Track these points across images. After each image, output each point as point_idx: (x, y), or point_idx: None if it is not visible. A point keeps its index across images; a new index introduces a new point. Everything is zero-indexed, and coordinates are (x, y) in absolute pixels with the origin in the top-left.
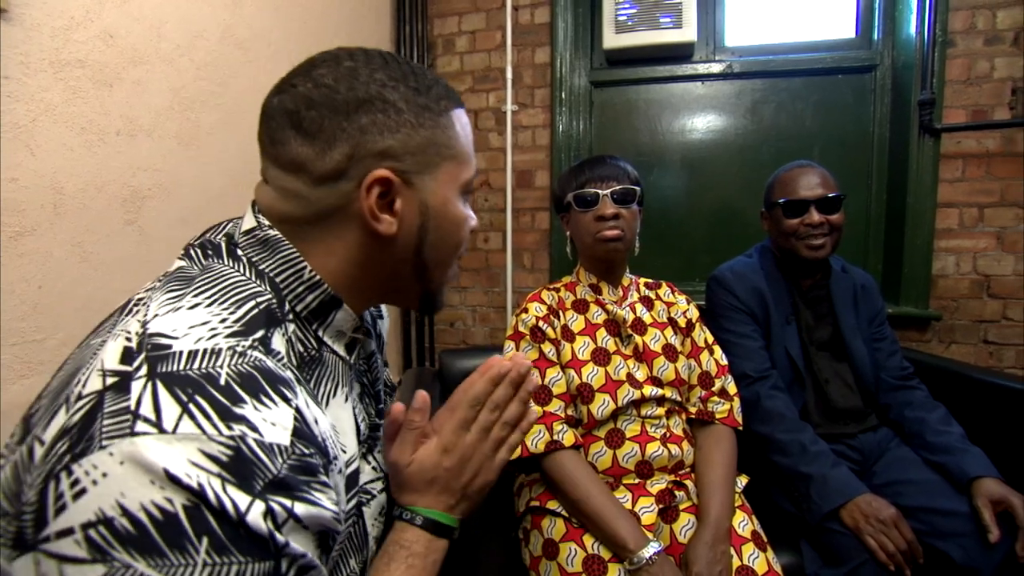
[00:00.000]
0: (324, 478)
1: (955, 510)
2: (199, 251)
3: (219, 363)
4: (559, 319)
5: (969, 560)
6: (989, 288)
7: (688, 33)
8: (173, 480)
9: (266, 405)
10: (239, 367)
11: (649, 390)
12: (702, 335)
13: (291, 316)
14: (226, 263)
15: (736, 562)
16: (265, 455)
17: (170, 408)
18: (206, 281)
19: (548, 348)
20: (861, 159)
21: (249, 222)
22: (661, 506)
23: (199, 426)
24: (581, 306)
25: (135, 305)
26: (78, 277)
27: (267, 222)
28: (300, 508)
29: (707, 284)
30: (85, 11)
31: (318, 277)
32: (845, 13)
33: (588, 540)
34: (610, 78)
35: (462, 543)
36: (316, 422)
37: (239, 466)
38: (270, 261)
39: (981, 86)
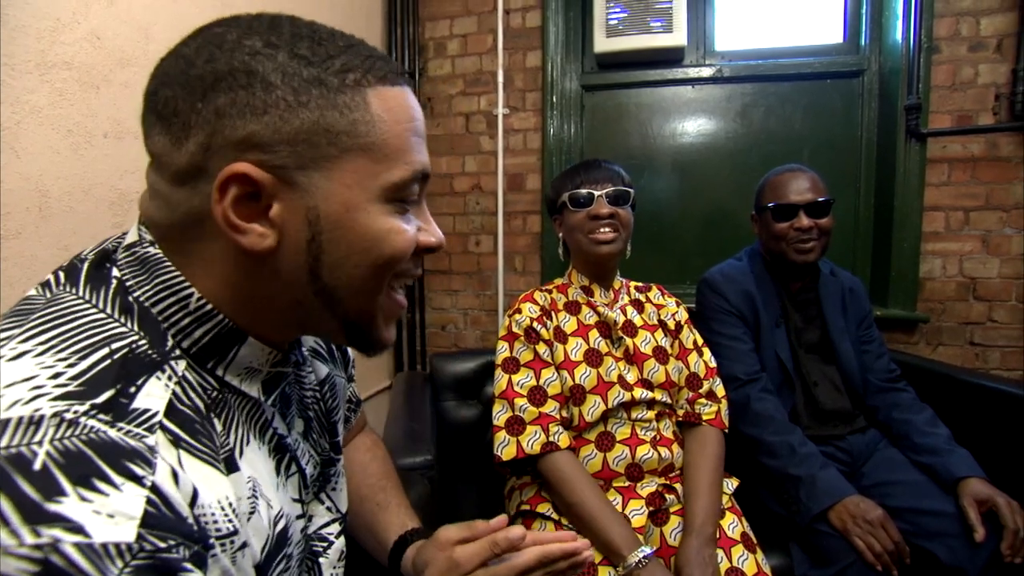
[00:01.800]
0: (195, 574)
1: (942, 510)
2: (64, 274)
3: (37, 438)
4: (552, 320)
5: (955, 560)
6: (975, 290)
7: (678, 37)
8: None
9: (100, 491)
10: (65, 443)
11: (639, 393)
12: (691, 337)
13: (177, 353)
14: (81, 292)
15: (725, 564)
16: (91, 563)
17: None
18: (45, 319)
19: (543, 349)
20: (849, 163)
21: (132, 234)
22: (651, 509)
23: None
24: (573, 307)
25: None
26: None
27: (148, 236)
28: None
29: (697, 287)
30: (72, 13)
31: (208, 306)
32: (833, 19)
33: None
34: (601, 82)
35: None
36: (196, 496)
37: None
38: (147, 287)
39: (966, 92)
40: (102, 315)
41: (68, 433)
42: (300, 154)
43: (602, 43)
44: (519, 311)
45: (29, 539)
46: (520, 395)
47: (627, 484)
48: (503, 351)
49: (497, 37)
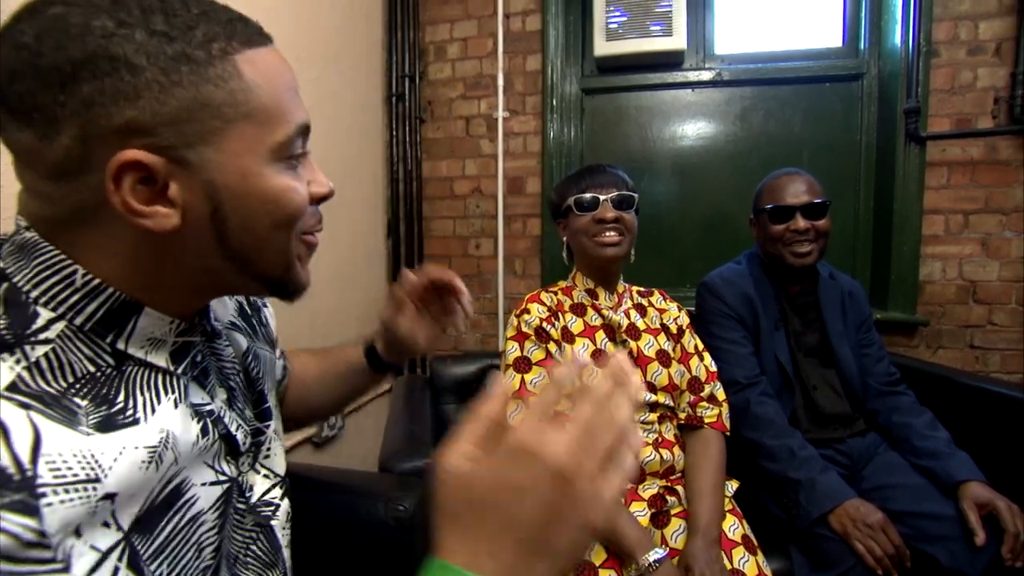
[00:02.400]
0: (10, 520)
1: (942, 514)
2: None
3: None
4: (559, 320)
5: (956, 563)
6: (975, 294)
7: (678, 41)
8: None
9: None
10: None
11: (643, 395)
12: (692, 341)
13: (49, 336)
14: None
15: (727, 565)
16: None
17: None
18: None
19: (554, 348)
20: (849, 166)
21: (11, 226)
22: (653, 511)
23: None
24: (578, 310)
25: None
26: None
27: (24, 222)
28: None
29: (697, 291)
30: None
31: (96, 281)
32: (832, 22)
33: None
34: (601, 85)
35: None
36: (38, 445)
37: None
38: (27, 270)
39: (965, 95)
40: None
41: None
42: (185, 132)
43: (602, 47)
44: (527, 311)
45: None
46: (534, 394)
47: (629, 486)
48: (513, 351)
49: (497, 41)
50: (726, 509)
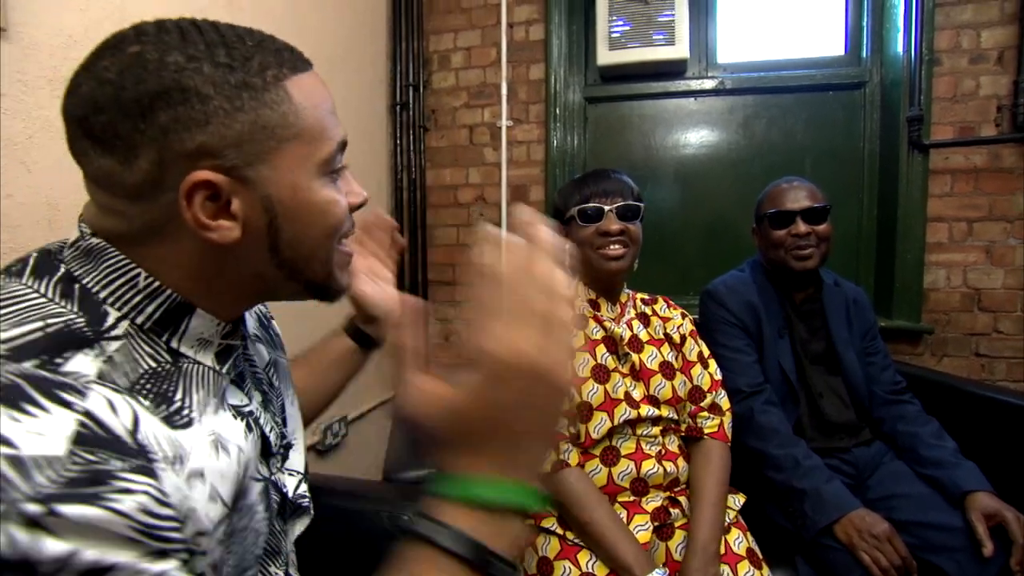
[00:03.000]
0: (127, 483)
1: (949, 524)
2: (6, 271)
3: None
4: None
5: (963, 575)
6: (980, 301)
7: (681, 50)
8: None
9: (30, 414)
10: None
11: (646, 410)
12: (695, 348)
13: (118, 333)
14: (24, 281)
15: None
16: (18, 472)
17: None
18: None
19: None
20: (852, 174)
21: (75, 233)
22: (656, 524)
23: None
24: (580, 321)
25: None
26: None
27: (88, 230)
28: (85, 511)
29: (700, 298)
30: (84, 29)
31: (156, 283)
32: (834, 31)
33: (583, 558)
34: (604, 94)
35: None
36: (137, 423)
37: None
38: (95, 273)
39: (967, 103)
40: (43, 299)
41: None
42: (246, 153)
43: (605, 56)
44: None
45: None
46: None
47: (632, 499)
48: None
49: (501, 50)
50: (731, 522)
